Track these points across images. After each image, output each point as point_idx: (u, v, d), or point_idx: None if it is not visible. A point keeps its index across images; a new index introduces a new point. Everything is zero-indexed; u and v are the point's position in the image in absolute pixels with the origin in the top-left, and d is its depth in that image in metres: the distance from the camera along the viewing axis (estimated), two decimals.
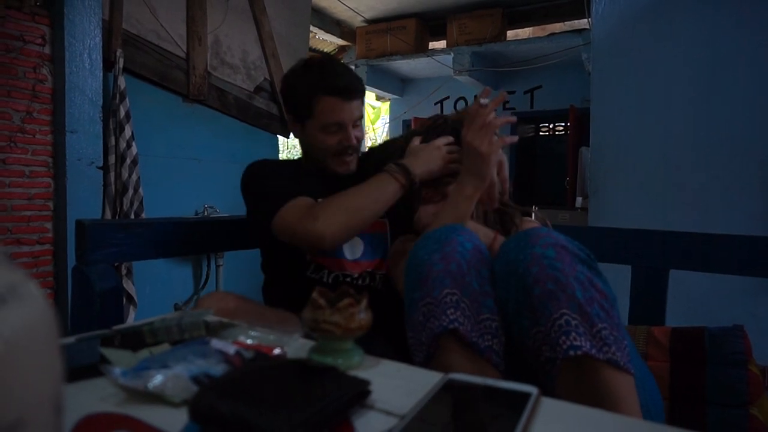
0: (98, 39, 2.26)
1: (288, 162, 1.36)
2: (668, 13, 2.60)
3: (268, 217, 1.13)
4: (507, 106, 6.18)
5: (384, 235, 1.29)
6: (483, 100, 1.04)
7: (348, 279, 1.23)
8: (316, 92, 1.20)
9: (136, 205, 2.34)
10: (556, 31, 5.07)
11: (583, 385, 0.69)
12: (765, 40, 2.41)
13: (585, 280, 0.73)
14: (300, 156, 1.39)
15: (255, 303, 1.20)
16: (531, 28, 5.53)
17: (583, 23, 4.54)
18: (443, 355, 0.75)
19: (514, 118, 1.12)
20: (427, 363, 0.76)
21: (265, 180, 1.23)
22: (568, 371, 0.70)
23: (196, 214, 2.84)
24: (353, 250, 1.26)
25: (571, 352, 0.67)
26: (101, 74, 2.29)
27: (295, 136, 1.33)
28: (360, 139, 1.27)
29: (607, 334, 0.69)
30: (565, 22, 5.10)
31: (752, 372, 0.95)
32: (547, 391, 0.73)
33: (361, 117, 1.26)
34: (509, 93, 6.06)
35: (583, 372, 0.69)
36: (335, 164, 1.25)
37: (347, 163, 1.26)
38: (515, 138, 1.13)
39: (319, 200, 1.15)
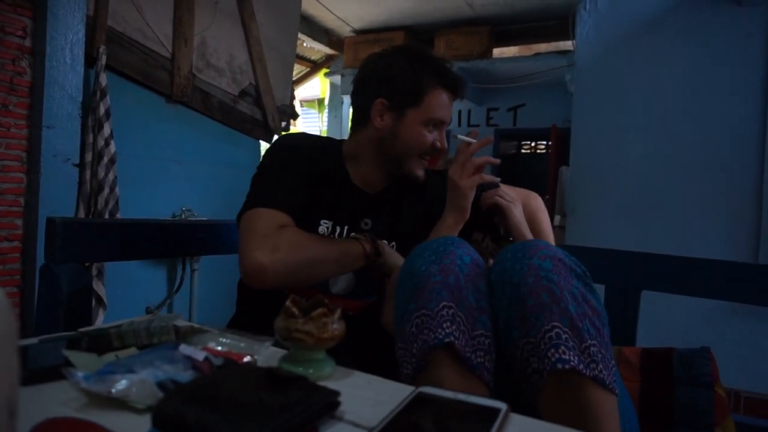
0: (81, 34, 2.22)
1: (313, 156, 1.13)
2: (649, 39, 2.67)
3: (240, 213, 1.06)
4: (490, 122, 6.25)
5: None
6: (460, 137, 1.11)
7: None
8: (433, 82, 1.11)
9: (111, 204, 2.30)
10: (542, 51, 5.16)
11: (566, 401, 0.69)
12: (738, 68, 2.48)
13: (579, 296, 0.74)
14: (339, 143, 1.22)
15: None
16: (517, 47, 5.61)
17: (567, 45, 4.63)
18: (434, 369, 0.74)
19: (497, 161, 1.12)
20: (416, 375, 0.75)
21: (268, 169, 1.10)
22: (553, 385, 0.70)
23: (174, 216, 2.80)
24: (335, 282, 1.15)
25: (559, 365, 0.68)
26: (82, 70, 2.25)
27: (375, 125, 1.14)
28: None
29: (596, 352, 0.70)
30: (551, 43, 5.19)
31: (718, 394, 0.97)
32: (531, 404, 0.73)
33: None
34: (493, 110, 6.14)
35: (568, 387, 0.69)
36: (416, 165, 1.14)
37: (423, 167, 1.17)
38: (494, 179, 1.13)
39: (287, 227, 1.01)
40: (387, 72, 1.14)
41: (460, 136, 1.11)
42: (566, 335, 0.70)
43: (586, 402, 0.68)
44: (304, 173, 1.09)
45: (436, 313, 0.75)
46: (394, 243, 1.17)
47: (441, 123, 1.14)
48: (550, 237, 1.25)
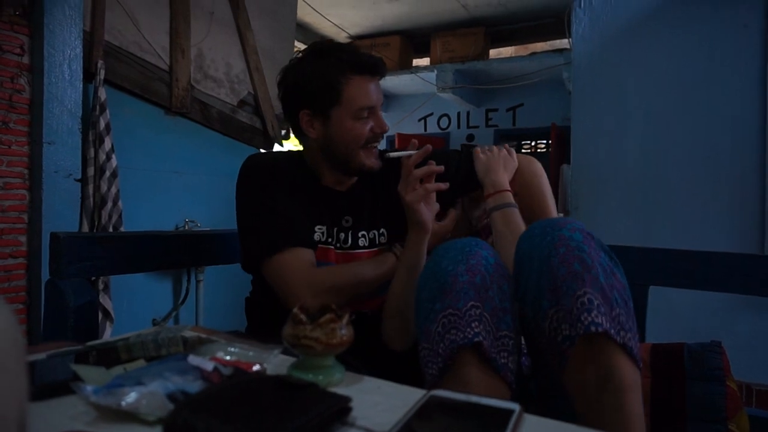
0: (79, 50, 2.23)
1: (285, 170, 1.15)
2: (646, 34, 2.67)
3: (259, 256, 1.06)
4: (490, 123, 6.25)
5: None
6: (392, 154, 1.06)
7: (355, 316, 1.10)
8: (344, 73, 1.07)
9: (114, 218, 2.30)
10: (538, 51, 5.16)
11: (594, 367, 0.69)
12: (736, 60, 2.48)
13: (607, 268, 0.74)
14: (300, 153, 1.23)
15: None
16: (513, 47, 5.63)
17: (564, 43, 4.63)
18: (460, 369, 0.74)
19: (439, 168, 1.01)
20: (442, 375, 0.75)
21: (257, 202, 1.10)
22: (582, 352, 0.70)
23: (177, 228, 2.81)
24: None
25: (593, 328, 0.68)
26: (81, 85, 2.26)
27: (311, 137, 1.14)
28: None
29: (624, 321, 0.70)
30: (547, 42, 5.20)
31: (730, 388, 0.96)
32: (557, 375, 0.73)
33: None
34: (492, 111, 6.14)
35: (596, 353, 0.69)
36: (365, 156, 1.12)
37: (375, 154, 1.14)
38: (440, 186, 1.02)
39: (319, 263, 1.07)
40: (299, 81, 1.12)
41: (392, 154, 1.06)
42: (598, 301, 0.70)
43: (613, 370, 0.68)
44: (287, 193, 1.10)
45: (464, 313, 0.75)
46: (384, 230, 1.18)
47: (371, 108, 1.10)
48: (550, 200, 1.22)
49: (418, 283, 0.84)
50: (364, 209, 1.18)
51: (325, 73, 1.08)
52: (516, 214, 1.11)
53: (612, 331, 0.68)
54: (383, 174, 1.18)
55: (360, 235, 1.16)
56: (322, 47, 1.12)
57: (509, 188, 1.15)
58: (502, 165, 1.18)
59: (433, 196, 1.01)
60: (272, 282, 1.07)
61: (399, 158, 1.06)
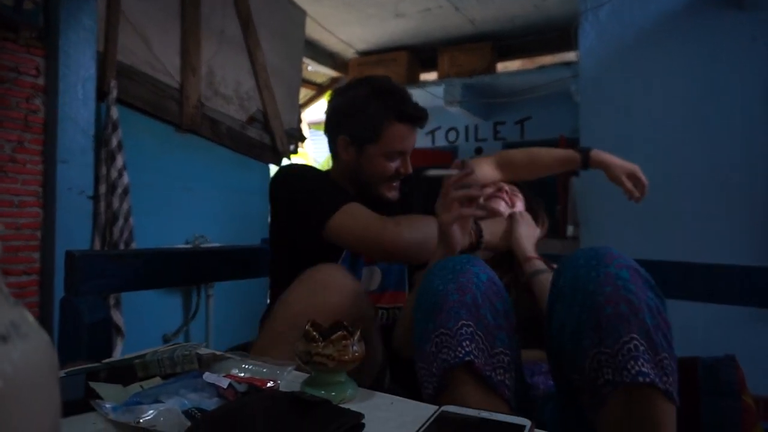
0: (92, 71, 2.27)
1: (322, 172, 1.28)
2: (653, 47, 2.68)
3: (323, 217, 1.09)
4: (498, 136, 6.27)
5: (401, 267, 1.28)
6: (432, 172, 1.04)
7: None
8: (389, 117, 1.17)
9: (126, 234, 2.33)
10: (545, 64, 5.18)
11: (635, 413, 0.68)
12: (744, 72, 2.48)
13: (654, 308, 0.72)
14: (329, 170, 1.34)
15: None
16: (520, 61, 5.65)
17: (571, 56, 4.65)
18: (455, 388, 0.74)
19: (478, 193, 0.99)
20: (438, 395, 0.75)
21: (309, 182, 1.18)
22: (623, 396, 0.69)
23: (187, 243, 2.83)
24: (371, 281, 1.24)
25: (640, 378, 0.66)
26: (94, 105, 2.30)
27: (342, 158, 1.24)
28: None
29: (668, 365, 0.69)
30: (554, 55, 5.22)
31: (746, 402, 0.95)
32: (588, 411, 0.72)
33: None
34: (500, 124, 6.16)
35: (639, 400, 0.68)
36: (385, 189, 1.23)
37: (395, 188, 1.25)
38: (477, 212, 1.02)
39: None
40: (347, 110, 1.21)
41: (432, 172, 1.04)
42: (643, 347, 0.68)
43: (654, 415, 0.68)
44: (327, 180, 1.21)
45: (455, 332, 0.74)
46: None
47: (401, 153, 1.20)
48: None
49: (415, 302, 0.85)
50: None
51: (372, 113, 1.17)
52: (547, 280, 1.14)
53: (657, 380, 0.67)
54: (407, 192, 1.29)
55: None
56: (376, 86, 1.21)
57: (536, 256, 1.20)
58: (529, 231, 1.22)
59: (469, 220, 1.01)
60: (349, 237, 1.09)
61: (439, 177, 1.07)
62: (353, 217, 1.09)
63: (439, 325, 0.76)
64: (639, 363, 0.67)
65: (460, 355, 0.73)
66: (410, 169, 1.22)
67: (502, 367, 0.76)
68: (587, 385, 0.72)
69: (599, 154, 1.41)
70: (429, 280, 0.82)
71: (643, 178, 1.38)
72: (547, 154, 1.43)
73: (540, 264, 1.18)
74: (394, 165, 1.20)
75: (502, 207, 1.32)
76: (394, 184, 1.24)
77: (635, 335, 0.69)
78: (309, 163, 1.41)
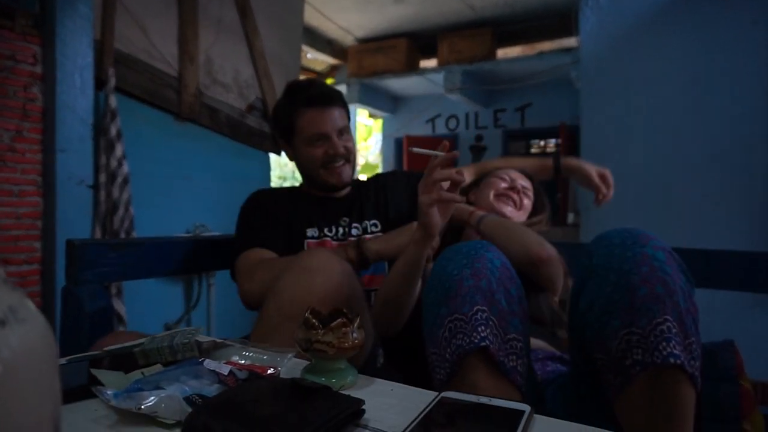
0: (90, 59, 2.26)
1: (285, 191, 1.39)
2: (653, 32, 2.66)
3: (234, 256, 1.22)
4: (498, 123, 6.24)
5: None
6: (416, 150, 1.02)
7: None
8: (297, 107, 1.27)
9: (126, 224, 2.33)
10: (545, 50, 5.15)
11: (660, 395, 0.68)
12: (745, 56, 2.46)
13: (686, 291, 0.73)
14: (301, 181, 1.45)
15: None
16: (520, 47, 5.61)
17: (571, 42, 4.62)
18: (468, 374, 0.74)
19: (460, 177, 0.96)
20: (450, 380, 0.75)
21: (246, 219, 1.29)
22: (648, 378, 0.68)
23: (187, 232, 2.83)
24: None
25: (671, 360, 0.66)
26: (92, 93, 2.29)
27: (291, 159, 1.38)
28: (350, 149, 1.31)
29: (695, 349, 0.69)
30: (554, 41, 5.18)
31: (744, 387, 0.96)
32: (609, 393, 0.72)
33: (346, 127, 1.30)
34: (500, 111, 6.13)
35: (664, 381, 0.68)
36: (326, 175, 1.29)
37: (338, 172, 1.29)
38: (455, 197, 0.97)
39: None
40: (273, 116, 1.36)
41: (416, 150, 1.02)
42: (676, 330, 0.68)
43: (679, 398, 0.68)
44: (273, 208, 1.29)
45: (471, 317, 0.74)
46: (376, 221, 1.32)
47: (322, 134, 1.26)
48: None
49: (425, 288, 0.84)
50: (355, 208, 1.34)
51: (285, 110, 1.30)
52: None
53: (686, 363, 0.67)
54: (384, 177, 1.39)
55: (353, 226, 1.31)
56: (288, 87, 1.33)
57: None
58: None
59: (451, 204, 0.99)
60: (235, 273, 1.22)
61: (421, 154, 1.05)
62: (239, 263, 1.19)
63: (453, 310, 0.76)
64: (671, 345, 0.67)
65: (476, 341, 0.73)
66: (339, 149, 1.27)
67: (515, 353, 0.76)
68: (613, 365, 0.71)
69: (570, 160, 1.50)
70: (442, 266, 0.82)
71: (611, 181, 1.43)
72: (522, 163, 1.51)
73: (482, 211, 1.25)
74: (320, 149, 1.27)
75: (509, 211, 1.32)
76: (336, 167, 1.28)
77: (669, 317, 0.68)
78: (280, 186, 1.58)
